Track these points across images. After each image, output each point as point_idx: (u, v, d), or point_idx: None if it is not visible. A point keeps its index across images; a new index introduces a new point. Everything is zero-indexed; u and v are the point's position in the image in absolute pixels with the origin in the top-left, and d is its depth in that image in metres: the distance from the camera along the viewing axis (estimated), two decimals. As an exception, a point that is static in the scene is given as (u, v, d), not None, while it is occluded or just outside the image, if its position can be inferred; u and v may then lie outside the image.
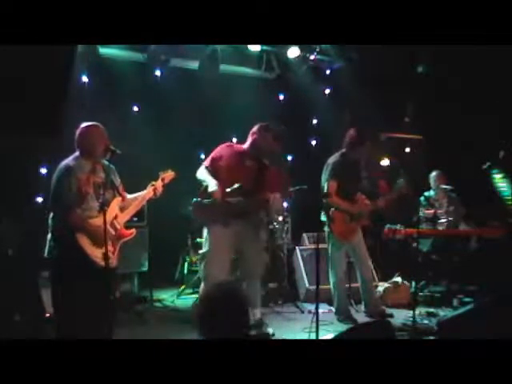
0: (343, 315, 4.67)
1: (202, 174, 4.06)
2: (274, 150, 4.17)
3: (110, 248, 3.14)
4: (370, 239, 5.28)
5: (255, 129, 4.17)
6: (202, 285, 4.09)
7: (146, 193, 3.62)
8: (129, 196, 3.60)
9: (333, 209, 4.50)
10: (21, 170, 4.94)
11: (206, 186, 3.95)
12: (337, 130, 6.51)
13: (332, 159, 4.67)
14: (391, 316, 4.69)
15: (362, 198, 4.67)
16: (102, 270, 3.11)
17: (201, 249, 4.18)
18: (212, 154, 4.15)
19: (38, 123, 4.81)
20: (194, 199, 4.07)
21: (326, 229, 4.65)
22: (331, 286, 4.73)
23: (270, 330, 4.17)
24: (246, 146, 4.21)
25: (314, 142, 7.30)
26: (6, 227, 4.37)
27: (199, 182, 4.06)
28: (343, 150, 4.69)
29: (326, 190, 4.55)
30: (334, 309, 4.81)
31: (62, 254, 3.17)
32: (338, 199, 4.52)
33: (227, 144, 4.26)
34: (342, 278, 4.71)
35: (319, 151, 7.10)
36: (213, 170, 4.04)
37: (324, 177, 4.64)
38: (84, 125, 3.34)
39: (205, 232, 4.10)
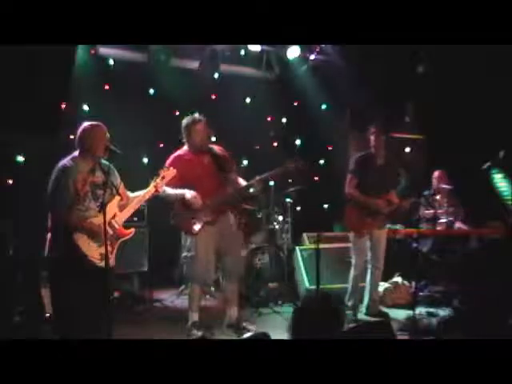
0: (352, 311, 4.64)
1: (166, 191, 3.90)
2: (208, 136, 4.16)
3: (108, 248, 3.13)
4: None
5: (184, 127, 4.13)
6: (192, 285, 4.13)
7: (147, 191, 3.60)
8: (131, 194, 3.59)
9: (348, 202, 4.59)
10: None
11: (181, 198, 3.95)
12: (336, 130, 6.54)
13: (355, 155, 4.78)
14: (385, 316, 4.68)
15: (388, 197, 4.62)
16: (99, 269, 3.11)
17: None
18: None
19: (37, 122, 4.81)
20: (173, 212, 4.07)
21: None
22: (350, 279, 4.71)
23: (252, 327, 4.15)
24: (186, 147, 4.17)
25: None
26: (7, 227, 4.37)
27: (166, 200, 4.01)
28: (369, 151, 4.72)
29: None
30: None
31: (60, 254, 3.16)
32: (354, 192, 4.59)
33: (174, 155, 4.13)
34: (361, 272, 4.70)
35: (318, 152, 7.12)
36: (175, 185, 3.92)
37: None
38: (86, 124, 3.32)
39: (185, 236, 4.13)
